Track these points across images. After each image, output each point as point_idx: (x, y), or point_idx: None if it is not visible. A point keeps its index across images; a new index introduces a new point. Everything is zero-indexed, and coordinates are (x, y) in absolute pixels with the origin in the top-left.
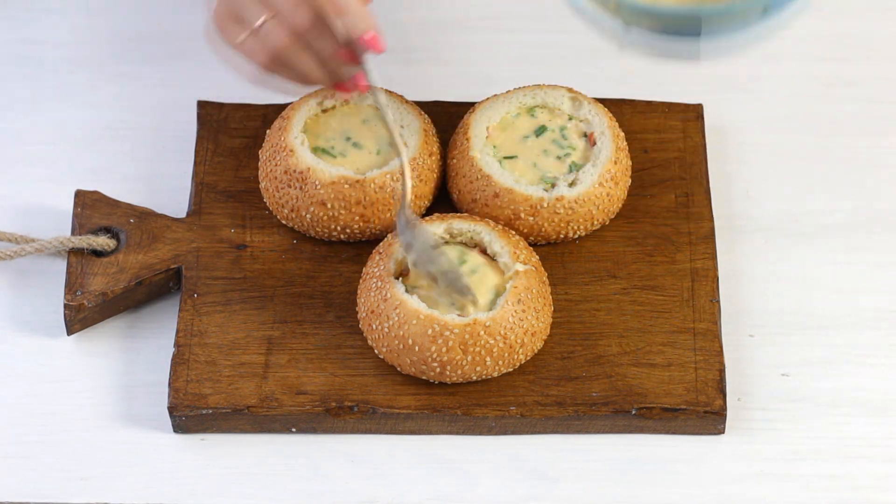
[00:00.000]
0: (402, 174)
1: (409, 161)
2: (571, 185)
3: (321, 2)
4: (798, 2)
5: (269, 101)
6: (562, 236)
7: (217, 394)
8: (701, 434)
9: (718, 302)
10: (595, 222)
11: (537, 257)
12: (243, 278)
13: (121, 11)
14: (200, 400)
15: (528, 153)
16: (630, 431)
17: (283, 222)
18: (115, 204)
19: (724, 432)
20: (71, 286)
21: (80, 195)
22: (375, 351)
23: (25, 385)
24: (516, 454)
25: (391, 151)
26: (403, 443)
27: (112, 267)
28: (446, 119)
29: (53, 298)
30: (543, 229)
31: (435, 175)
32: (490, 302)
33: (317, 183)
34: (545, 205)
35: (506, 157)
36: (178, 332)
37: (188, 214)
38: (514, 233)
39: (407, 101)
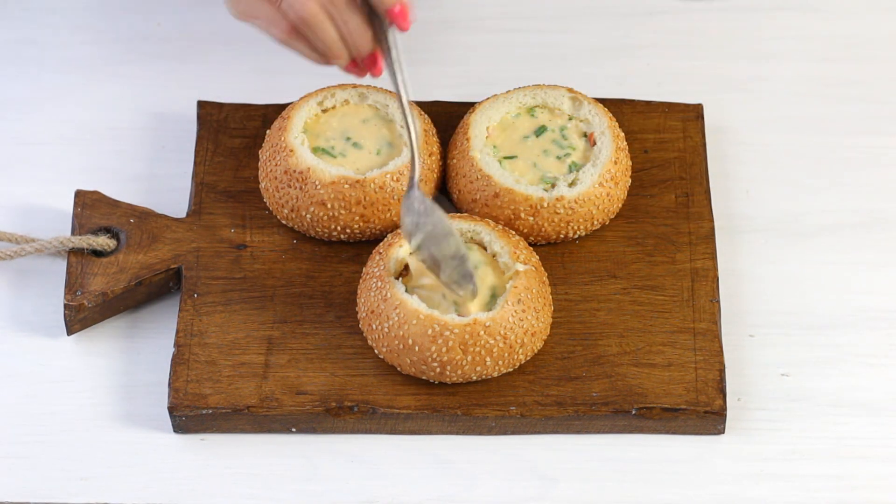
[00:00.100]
0: (412, 153)
1: (417, 140)
2: (571, 185)
3: None
4: None
5: (269, 101)
6: (562, 236)
7: (217, 394)
8: (701, 434)
9: (718, 302)
10: (595, 222)
11: (537, 257)
12: (243, 278)
13: (121, 11)
14: (200, 400)
15: (528, 153)
16: (630, 431)
17: (283, 222)
18: (115, 204)
19: (724, 432)
20: (71, 286)
21: (80, 195)
22: (375, 351)
23: (25, 385)
24: (516, 454)
25: (391, 151)
26: (403, 443)
27: (112, 267)
28: (446, 119)
29: (53, 298)
30: (543, 229)
31: (435, 175)
32: (487, 301)
33: (317, 183)
34: (545, 205)
35: (506, 157)
36: (178, 332)
37: (188, 214)
38: (514, 233)
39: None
